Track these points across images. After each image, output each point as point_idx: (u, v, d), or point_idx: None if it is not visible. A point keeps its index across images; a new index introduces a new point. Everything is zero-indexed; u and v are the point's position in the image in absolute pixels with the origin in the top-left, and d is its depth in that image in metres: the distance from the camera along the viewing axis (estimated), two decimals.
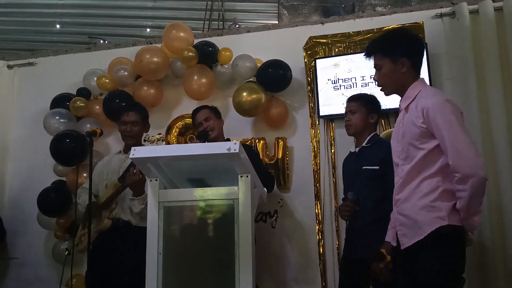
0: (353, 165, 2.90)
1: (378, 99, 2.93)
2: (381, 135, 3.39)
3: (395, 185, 2.17)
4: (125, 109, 3.24)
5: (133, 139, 3.16)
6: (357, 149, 2.91)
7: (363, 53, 2.30)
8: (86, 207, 3.04)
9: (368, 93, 3.01)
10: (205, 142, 3.05)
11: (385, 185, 2.53)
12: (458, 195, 1.95)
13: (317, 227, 3.59)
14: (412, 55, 2.16)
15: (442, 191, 1.98)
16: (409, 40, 2.20)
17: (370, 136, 2.87)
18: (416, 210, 2.01)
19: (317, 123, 3.77)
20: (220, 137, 3.24)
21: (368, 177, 2.73)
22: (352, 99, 2.96)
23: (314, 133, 3.76)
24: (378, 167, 2.68)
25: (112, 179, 3.07)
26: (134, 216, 2.99)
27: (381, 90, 2.26)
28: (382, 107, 2.99)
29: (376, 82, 2.25)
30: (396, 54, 2.15)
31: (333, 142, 3.71)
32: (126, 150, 3.21)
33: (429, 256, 1.95)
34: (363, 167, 2.77)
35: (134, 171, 2.83)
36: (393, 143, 2.23)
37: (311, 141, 3.75)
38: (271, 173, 3.58)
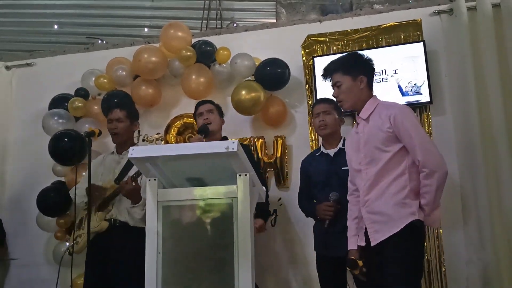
0: (326, 166, 2.97)
1: None
2: None
3: (360, 188, 2.38)
4: (110, 107, 3.31)
5: (119, 137, 3.16)
6: (330, 151, 3.01)
7: (321, 74, 2.57)
8: (87, 189, 3.01)
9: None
10: (205, 136, 3.04)
11: None
12: (423, 190, 2.22)
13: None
14: (368, 74, 2.46)
15: (409, 190, 2.24)
16: (366, 61, 2.49)
17: (343, 138, 3.02)
18: (389, 207, 2.24)
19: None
20: (217, 133, 3.23)
21: (347, 178, 2.75)
22: (323, 101, 3.12)
23: (313, 131, 3.75)
24: None
25: (107, 179, 3.06)
26: (131, 217, 3.00)
27: (340, 105, 2.55)
28: None
29: (336, 99, 2.51)
30: (356, 72, 2.43)
31: None
32: (119, 150, 3.22)
33: (404, 247, 2.19)
34: (343, 168, 2.80)
35: (127, 181, 2.84)
36: (351, 152, 2.50)
37: (310, 139, 3.75)
38: (265, 182, 3.57)
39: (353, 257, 2.39)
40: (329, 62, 2.59)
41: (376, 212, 2.28)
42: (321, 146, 3.11)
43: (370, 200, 2.31)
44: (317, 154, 3.11)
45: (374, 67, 2.53)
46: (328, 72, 2.54)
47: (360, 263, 2.35)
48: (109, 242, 2.96)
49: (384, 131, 2.30)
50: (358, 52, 2.68)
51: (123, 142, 3.16)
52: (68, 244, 3.84)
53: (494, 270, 3.16)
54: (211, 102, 3.36)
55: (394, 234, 2.20)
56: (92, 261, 2.92)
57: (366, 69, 2.47)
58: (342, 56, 2.65)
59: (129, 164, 3.11)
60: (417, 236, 2.25)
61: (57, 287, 3.50)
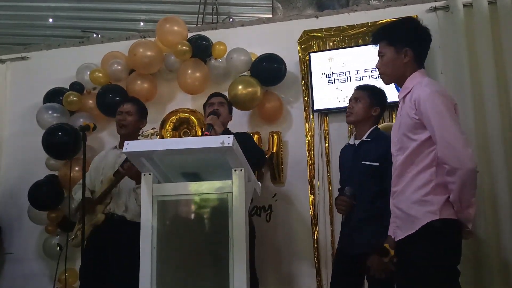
0: (351, 158, 2.82)
1: (385, 93, 2.87)
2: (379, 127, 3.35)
3: (392, 176, 2.18)
4: (122, 101, 3.34)
5: (126, 129, 3.17)
6: (356, 142, 2.82)
7: (370, 40, 2.31)
8: (79, 203, 3.03)
9: (378, 86, 2.89)
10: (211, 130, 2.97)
11: (383, 182, 2.52)
12: (449, 187, 1.97)
13: (311, 221, 3.60)
14: (416, 47, 2.18)
15: (435, 185, 2.00)
16: (416, 31, 2.21)
17: (371, 129, 2.78)
18: (409, 204, 2.05)
19: (312, 117, 3.77)
20: (224, 125, 3.17)
21: (366, 172, 2.66)
22: (359, 88, 2.90)
23: (309, 127, 3.76)
24: (378, 164, 2.62)
25: (108, 174, 3.07)
26: (129, 211, 3.00)
27: (381, 78, 2.29)
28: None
29: (378, 70, 2.27)
30: (400, 43, 2.16)
31: (327, 136, 3.72)
32: (121, 144, 3.21)
33: (420, 249, 1.98)
34: (362, 162, 2.69)
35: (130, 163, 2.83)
36: (392, 134, 2.25)
37: (306, 135, 3.75)
38: (262, 151, 3.55)
39: (386, 244, 2.19)
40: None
41: (399, 208, 2.11)
42: (353, 135, 2.96)
43: (397, 192, 2.13)
44: (347, 145, 2.97)
45: (430, 38, 2.24)
46: (375, 40, 2.28)
47: (392, 252, 2.15)
48: (106, 236, 2.96)
49: (411, 117, 2.06)
50: (413, 18, 2.41)
51: (128, 135, 3.16)
52: (58, 238, 3.84)
53: (487, 268, 3.17)
54: (224, 96, 3.36)
55: (411, 235, 2.01)
56: (89, 255, 2.91)
57: (415, 40, 2.19)
58: (392, 22, 2.43)
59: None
60: (437, 237, 1.98)
61: (55, 283, 3.47)
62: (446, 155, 1.95)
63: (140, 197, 2.89)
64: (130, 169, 2.86)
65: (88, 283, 2.94)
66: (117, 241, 2.93)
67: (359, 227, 2.66)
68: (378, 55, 2.25)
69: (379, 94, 2.84)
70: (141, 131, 3.18)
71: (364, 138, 2.77)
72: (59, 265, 3.30)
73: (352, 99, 2.84)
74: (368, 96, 2.80)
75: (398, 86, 2.25)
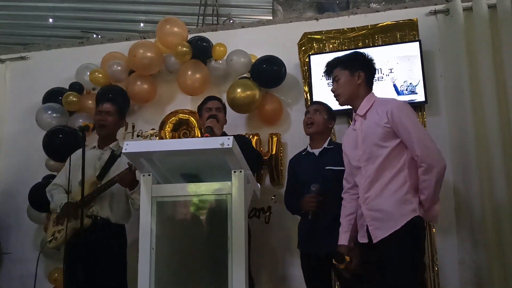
0: (312, 165, 2.99)
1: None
2: None
3: (360, 185, 2.39)
4: (101, 100, 3.32)
5: (105, 129, 3.16)
6: (315, 150, 3.03)
7: (323, 71, 2.63)
8: (63, 205, 2.99)
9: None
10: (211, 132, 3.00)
11: None
12: (422, 185, 2.23)
13: None
14: (367, 71, 2.50)
15: (409, 186, 2.25)
16: (366, 58, 2.54)
17: (328, 139, 3.06)
18: (391, 204, 2.25)
19: None
20: (220, 132, 3.19)
21: (332, 177, 2.83)
22: (316, 102, 3.21)
23: None
24: (344, 168, 2.72)
25: (88, 175, 3.00)
26: (114, 214, 3.01)
27: (336, 99, 2.55)
28: None
29: (334, 93, 2.54)
30: (354, 67, 2.48)
31: None
32: (101, 145, 3.21)
33: (405, 243, 2.19)
34: (327, 167, 2.89)
35: (125, 172, 2.84)
36: (349, 149, 2.50)
37: (305, 137, 3.74)
38: (260, 154, 3.61)
39: (341, 251, 2.41)
40: (329, 60, 2.64)
41: (376, 210, 2.29)
42: (308, 145, 3.13)
43: (371, 197, 2.32)
44: (303, 154, 3.15)
45: (375, 67, 2.57)
46: (329, 68, 2.58)
47: (348, 258, 2.36)
48: (90, 238, 2.87)
49: (382, 126, 2.31)
50: (360, 51, 2.71)
51: (107, 136, 3.17)
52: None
53: (486, 271, 3.17)
54: (220, 100, 3.37)
55: (395, 231, 2.20)
56: (72, 258, 2.89)
57: (365, 66, 2.51)
58: (344, 54, 2.69)
59: (111, 160, 3.11)
60: (417, 232, 2.25)
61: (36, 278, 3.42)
62: (426, 155, 2.22)
63: (134, 201, 2.92)
64: (122, 179, 2.86)
65: (71, 286, 2.91)
66: (102, 243, 2.91)
67: (327, 228, 2.76)
68: (334, 80, 2.53)
69: (332, 110, 3.13)
70: (140, 131, 3.17)
71: (325, 146, 3.02)
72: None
73: (312, 111, 3.09)
74: (325, 109, 3.10)
75: (352, 106, 2.52)
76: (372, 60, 2.55)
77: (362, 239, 2.37)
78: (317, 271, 2.91)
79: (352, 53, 2.68)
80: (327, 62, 2.63)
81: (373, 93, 2.51)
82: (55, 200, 3.10)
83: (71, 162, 3.00)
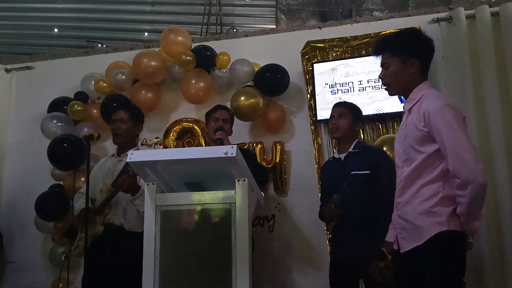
0: (337, 170, 2.94)
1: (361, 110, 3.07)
2: (377, 141, 3.41)
3: (396, 187, 2.16)
4: (115, 109, 3.31)
5: (121, 138, 3.15)
6: (342, 155, 2.95)
7: (372, 51, 2.28)
8: (80, 212, 3.02)
9: (354, 103, 3.10)
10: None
11: (373, 190, 2.68)
12: (458, 200, 1.94)
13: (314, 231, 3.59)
14: (422, 57, 2.16)
15: (442, 197, 1.98)
16: (422, 42, 2.19)
17: (355, 142, 2.95)
18: (416, 215, 2.01)
19: (315, 127, 3.77)
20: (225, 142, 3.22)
21: (357, 181, 2.77)
22: (340, 105, 3.06)
23: (312, 137, 3.75)
24: (369, 172, 2.71)
25: (106, 182, 3.05)
26: (127, 221, 2.99)
27: (385, 89, 2.25)
28: (379, 112, 3.01)
29: (382, 81, 2.23)
30: (406, 54, 2.13)
31: (330, 146, 3.71)
32: (119, 152, 3.21)
33: (428, 261, 1.95)
34: (352, 172, 2.81)
35: (122, 177, 2.84)
36: (396, 144, 2.22)
37: (309, 145, 3.75)
38: (266, 169, 3.64)
39: (383, 249, 2.20)
40: (382, 38, 2.30)
41: (404, 219, 2.07)
42: (336, 151, 3.09)
43: (401, 203, 2.10)
44: (331, 159, 3.12)
45: (433, 48, 2.21)
46: (377, 51, 2.25)
47: (389, 257, 2.15)
48: (105, 246, 2.94)
49: (419, 129, 2.02)
50: (416, 29, 2.39)
51: (124, 143, 3.16)
52: (65, 247, 3.83)
53: (488, 274, 3.16)
54: (229, 110, 3.39)
55: (419, 246, 1.96)
56: (90, 265, 2.91)
57: (420, 51, 2.17)
58: (394, 33, 2.40)
59: (126, 167, 3.11)
60: (445, 249, 1.94)
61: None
62: (458, 169, 1.92)
63: (137, 208, 2.93)
64: (121, 185, 2.85)
65: None
66: (116, 251, 2.91)
67: (351, 235, 2.72)
68: (382, 66, 2.21)
69: (358, 110, 3.03)
70: (144, 140, 3.17)
71: (350, 150, 2.91)
72: (62, 274, 3.29)
73: (336, 116, 2.98)
74: (350, 112, 2.98)
75: (403, 97, 2.24)
76: (430, 41, 2.19)
77: (395, 244, 2.15)
78: (341, 280, 2.79)
79: (403, 34, 2.35)
80: (376, 41, 2.30)
81: (426, 83, 2.16)
82: (77, 206, 3.12)
83: (89, 170, 3.01)
